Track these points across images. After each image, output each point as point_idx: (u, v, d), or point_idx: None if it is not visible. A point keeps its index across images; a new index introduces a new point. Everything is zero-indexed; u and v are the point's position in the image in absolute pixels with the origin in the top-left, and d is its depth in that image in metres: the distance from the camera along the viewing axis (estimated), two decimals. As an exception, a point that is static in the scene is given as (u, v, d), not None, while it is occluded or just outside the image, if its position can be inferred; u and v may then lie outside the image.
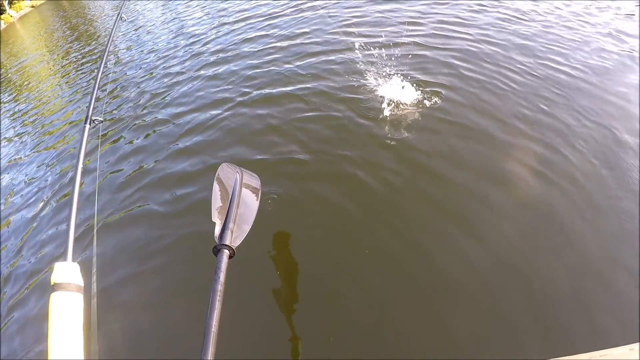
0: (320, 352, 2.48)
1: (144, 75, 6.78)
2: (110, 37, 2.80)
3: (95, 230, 1.90)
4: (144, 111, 5.45)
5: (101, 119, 2.11)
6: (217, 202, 2.26)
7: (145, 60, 8.23)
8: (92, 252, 1.82)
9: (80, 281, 1.42)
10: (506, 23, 6.18)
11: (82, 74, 9.64)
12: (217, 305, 1.60)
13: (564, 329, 2.40)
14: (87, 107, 2.10)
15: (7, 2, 32.56)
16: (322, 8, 7.98)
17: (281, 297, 2.88)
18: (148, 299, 3.02)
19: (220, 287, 1.67)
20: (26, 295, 3.37)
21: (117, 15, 3.76)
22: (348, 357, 2.43)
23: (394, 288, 2.74)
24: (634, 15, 6.02)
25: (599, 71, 4.75)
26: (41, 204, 4.47)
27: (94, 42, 12.74)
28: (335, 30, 6.78)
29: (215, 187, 2.39)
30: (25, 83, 11.47)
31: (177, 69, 6.99)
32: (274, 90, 5.28)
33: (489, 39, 5.67)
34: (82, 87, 8.49)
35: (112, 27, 3.74)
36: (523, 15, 6.39)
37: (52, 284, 1.36)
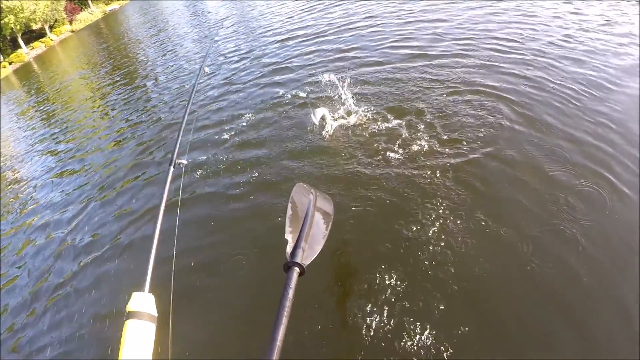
0: None
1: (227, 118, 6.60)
2: (193, 88, 2.95)
3: (173, 266, 2.04)
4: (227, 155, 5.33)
5: (185, 162, 2.15)
6: (290, 220, 2.31)
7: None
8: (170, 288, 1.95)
9: (154, 311, 1.49)
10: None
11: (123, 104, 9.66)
12: (284, 321, 1.61)
13: None
14: (171, 150, 2.20)
15: (48, 26, 33.92)
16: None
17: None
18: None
19: (288, 303, 1.70)
20: (103, 321, 3.53)
21: (200, 68, 3.94)
22: None
23: None
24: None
25: None
26: (125, 237, 4.52)
27: (131, 68, 12.85)
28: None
29: (290, 205, 2.43)
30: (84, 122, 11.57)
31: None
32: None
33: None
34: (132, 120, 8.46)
35: (195, 78, 3.90)
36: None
37: (127, 311, 1.44)
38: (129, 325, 1.39)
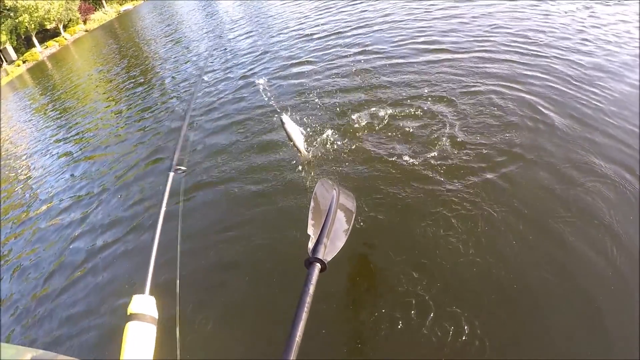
0: None
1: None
2: (193, 96, 2.89)
3: (177, 271, 1.99)
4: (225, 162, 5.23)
5: (184, 168, 2.15)
6: (313, 216, 2.32)
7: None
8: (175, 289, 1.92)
9: (155, 313, 1.51)
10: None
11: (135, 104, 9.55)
12: (304, 317, 1.62)
13: None
14: (172, 155, 2.19)
15: (62, 25, 34.20)
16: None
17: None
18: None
19: (308, 299, 1.71)
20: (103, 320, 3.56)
21: (199, 78, 4.11)
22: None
23: None
24: None
25: None
26: (124, 242, 4.49)
27: (144, 67, 12.78)
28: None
29: (312, 201, 2.46)
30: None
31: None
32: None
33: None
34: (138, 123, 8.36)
35: (194, 88, 3.87)
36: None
37: (128, 313, 1.46)
38: (130, 327, 1.41)
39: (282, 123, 3.79)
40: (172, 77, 10.26)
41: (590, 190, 3.19)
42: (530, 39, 6.12)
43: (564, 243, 2.84)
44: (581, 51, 5.51)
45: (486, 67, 5.51)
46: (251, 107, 6.38)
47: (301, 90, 6.33)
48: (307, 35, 9.34)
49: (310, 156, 4.25)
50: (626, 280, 2.54)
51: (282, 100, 6.19)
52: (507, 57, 5.70)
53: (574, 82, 4.76)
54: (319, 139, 4.64)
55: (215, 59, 9.89)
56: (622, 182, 3.23)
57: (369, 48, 7.36)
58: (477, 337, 2.40)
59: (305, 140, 4.11)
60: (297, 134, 3.87)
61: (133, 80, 11.37)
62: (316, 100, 5.78)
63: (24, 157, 9.34)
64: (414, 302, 2.68)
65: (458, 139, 4.13)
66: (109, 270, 4.14)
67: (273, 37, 10.24)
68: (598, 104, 4.28)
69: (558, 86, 4.72)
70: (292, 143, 3.86)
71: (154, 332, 1.46)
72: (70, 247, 4.76)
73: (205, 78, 4.18)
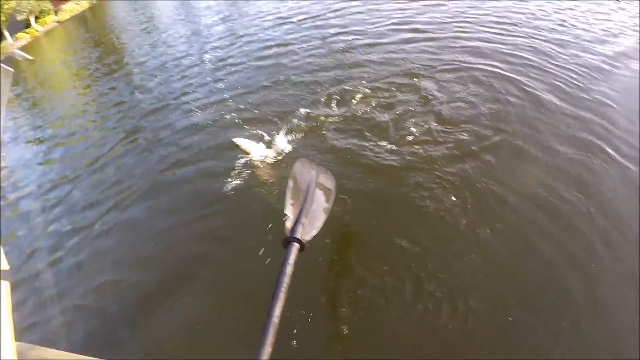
0: None
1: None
2: None
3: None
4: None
5: None
6: (291, 195, 2.27)
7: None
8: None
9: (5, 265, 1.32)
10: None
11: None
12: (282, 297, 1.60)
13: None
14: None
15: (33, 17, 33.16)
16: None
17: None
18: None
19: (286, 279, 1.68)
20: None
21: None
22: None
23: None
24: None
25: None
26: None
27: (117, 57, 12.49)
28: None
29: (291, 181, 2.39)
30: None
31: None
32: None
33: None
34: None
35: None
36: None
37: None
38: None
39: (237, 145, 3.93)
40: (146, 63, 10.04)
41: (574, 161, 3.37)
42: (509, 19, 6.23)
43: (553, 213, 2.95)
44: (558, 31, 5.64)
45: (465, 47, 5.58)
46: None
47: (277, 71, 6.31)
48: (284, 17, 9.27)
49: (270, 170, 4.16)
50: (620, 251, 2.66)
51: (259, 82, 6.14)
52: (485, 36, 5.80)
53: (553, 61, 4.87)
54: (294, 120, 4.67)
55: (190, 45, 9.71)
56: (601, 154, 3.44)
57: (347, 29, 7.36)
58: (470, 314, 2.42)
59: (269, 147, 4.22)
60: (253, 149, 4.01)
61: (107, 68, 11.09)
62: (293, 79, 5.77)
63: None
64: (395, 282, 2.69)
65: (440, 116, 4.23)
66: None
67: (252, 20, 10.11)
68: (576, 82, 4.40)
69: (537, 64, 4.83)
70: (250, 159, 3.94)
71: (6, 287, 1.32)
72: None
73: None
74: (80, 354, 1.81)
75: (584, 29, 5.82)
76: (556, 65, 4.93)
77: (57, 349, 1.93)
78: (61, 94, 11.05)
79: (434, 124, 4.12)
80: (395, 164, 3.70)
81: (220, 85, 6.54)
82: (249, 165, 4.20)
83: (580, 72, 4.73)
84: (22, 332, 3.26)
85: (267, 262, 2.87)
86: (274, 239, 3.09)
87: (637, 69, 4.68)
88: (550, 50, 5.31)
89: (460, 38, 6.05)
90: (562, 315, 2.36)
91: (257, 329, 1.50)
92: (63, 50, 19.86)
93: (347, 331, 2.49)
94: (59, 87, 12.11)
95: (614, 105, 4.09)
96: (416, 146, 3.86)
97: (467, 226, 2.95)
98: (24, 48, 26.91)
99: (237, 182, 4.03)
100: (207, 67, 7.60)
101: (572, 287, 2.47)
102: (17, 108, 11.64)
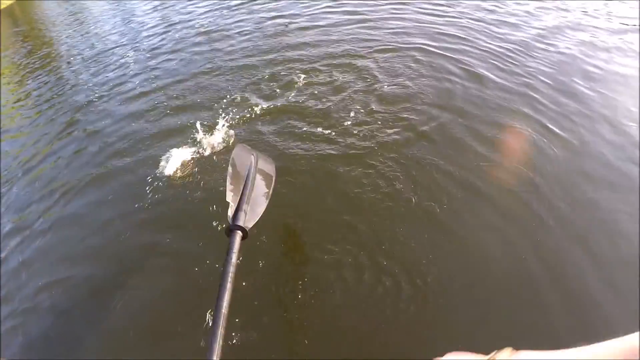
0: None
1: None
2: None
3: None
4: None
5: None
6: (231, 182, 2.24)
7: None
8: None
9: None
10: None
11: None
12: (229, 287, 1.60)
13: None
14: None
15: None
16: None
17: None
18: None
19: (232, 268, 1.69)
20: None
21: None
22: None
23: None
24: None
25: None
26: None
27: (48, 48, 11.94)
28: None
29: (230, 167, 2.36)
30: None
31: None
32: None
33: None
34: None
35: None
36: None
37: None
38: None
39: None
40: (78, 56, 9.68)
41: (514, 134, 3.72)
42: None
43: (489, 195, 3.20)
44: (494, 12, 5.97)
45: (401, 28, 5.78)
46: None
47: (213, 57, 6.38)
48: (219, 2, 9.21)
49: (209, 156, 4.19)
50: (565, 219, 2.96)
51: (196, 68, 6.16)
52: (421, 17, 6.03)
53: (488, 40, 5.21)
54: (231, 106, 4.76)
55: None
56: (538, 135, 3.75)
57: (283, 13, 7.43)
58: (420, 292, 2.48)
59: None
60: None
61: (39, 62, 10.59)
62: (229, 64, 5.84)
63: None
64: (343, 261, 2.73)
65: (381, 96, 4.42)
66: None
67: (185, 7, 9.96)
68: (512, 63, 4.75)
69: (474, 45, 5.12)
70: None
71: None
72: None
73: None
74: None
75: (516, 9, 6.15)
76: (491, 43, 5.22)
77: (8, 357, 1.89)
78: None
79: (375, 105, 4.32)
80: (340, 145, 3.86)
81: (156, 73, 6.52)
82: (190, 152, 4.29)
83: (514, 50, 5.09)
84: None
85: (216, 247, 2.89)
86: (220, 224, 3.21)
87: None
88: (484, 29, 5.59)
89: (395, 19, 6.24)
90: (521, 285, 2.52)
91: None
92: (-10, 45, 18.66)
93: (301, 318, 2.52)
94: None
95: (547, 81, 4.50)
96: (360, 127, 4.04)
97: (418, 204, 3.10)
98: (-57, 46, 25.06)
99: (178, 169, 4.13)
100: (141, 57, 7.49)
101: (526, 257, 2.67)
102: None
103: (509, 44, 5.26)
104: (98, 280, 3.32)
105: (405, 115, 4.12)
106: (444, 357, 1.02)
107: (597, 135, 3.73)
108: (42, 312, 3.25)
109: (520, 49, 5.16)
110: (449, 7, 6.51)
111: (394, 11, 6.62)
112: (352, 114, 4.23)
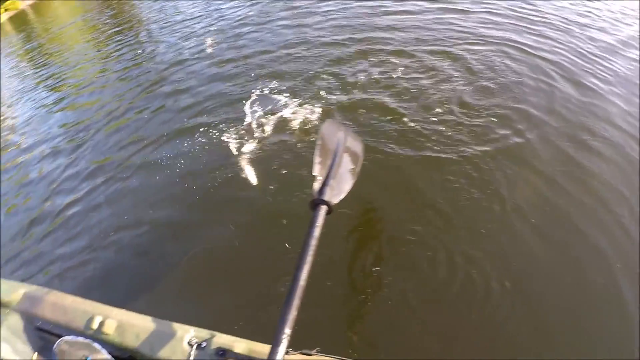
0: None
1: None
2: None
3: None
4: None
5: None
6: (319, 156, 2.19)
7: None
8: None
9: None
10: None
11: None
12: (309, 259, 1.57)
13: None
14: None
15: None
16: None
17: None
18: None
19: (314, 242, 1.65)
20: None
21: None
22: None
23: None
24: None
25: None
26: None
27: (128, 14, 12.39)
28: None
29: (319, 140, 2.33)
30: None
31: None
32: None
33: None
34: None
35: None
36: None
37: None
38: None
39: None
40: (164, 19, 9.98)
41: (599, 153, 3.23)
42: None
43: (582, 203, 2.83)
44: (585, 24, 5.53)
45: (492, 27, 5.48)
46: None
47: (299, 32, 6.32)
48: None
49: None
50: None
51: (280, 41, 6.14)
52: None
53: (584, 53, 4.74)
54: (310, 95, 4.55)
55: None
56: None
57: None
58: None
59: None
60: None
61: (119, 27, 11.03)
62: (319, 40, 5.76)
63: (7, 105, 8.91)
64: (423, 252, 2.60)
65: (473, 92, 4.10)
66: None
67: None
68: (603, 73, 4.28)
69: (566, 53, 4.70)
70: None
71: None
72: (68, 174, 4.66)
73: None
74: (96, 300, 1.83)
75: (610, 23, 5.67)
76: (585, 48, 4.79)
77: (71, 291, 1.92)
78: (74, 50, 10.95)
79: (470, 99, 4.00)
80: (425, 139, 3.60)
81: (243, 42, 6.54)
82: (275, 118, 4.23)
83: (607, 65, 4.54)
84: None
85: (300, 215, 2.63)
86: (308, 194, 2.91)
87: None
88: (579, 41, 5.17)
89: (491, 13, 5.87)
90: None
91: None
92: (75, 6, 19.60)
93: (370, 303, 2.44)
94: (71, 43, 12.04)
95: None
96: (445, 125, 3.72)
97: (515, 209, 2.83)
98: (34, 5, 26.65)
99: (267, 131, 4.09)
100: (226, 26, 7.61)
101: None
102: (30, 65, 11.62)
103: (601, 51, 4.72)
104: (179, 226, 3.31)
105: (502, 112, 3.75)
106: None
107: None
108: (119, 249, 3.30)
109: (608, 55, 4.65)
110: (540, 7, 6.07)
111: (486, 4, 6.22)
112: (445, 107, 3.91)
